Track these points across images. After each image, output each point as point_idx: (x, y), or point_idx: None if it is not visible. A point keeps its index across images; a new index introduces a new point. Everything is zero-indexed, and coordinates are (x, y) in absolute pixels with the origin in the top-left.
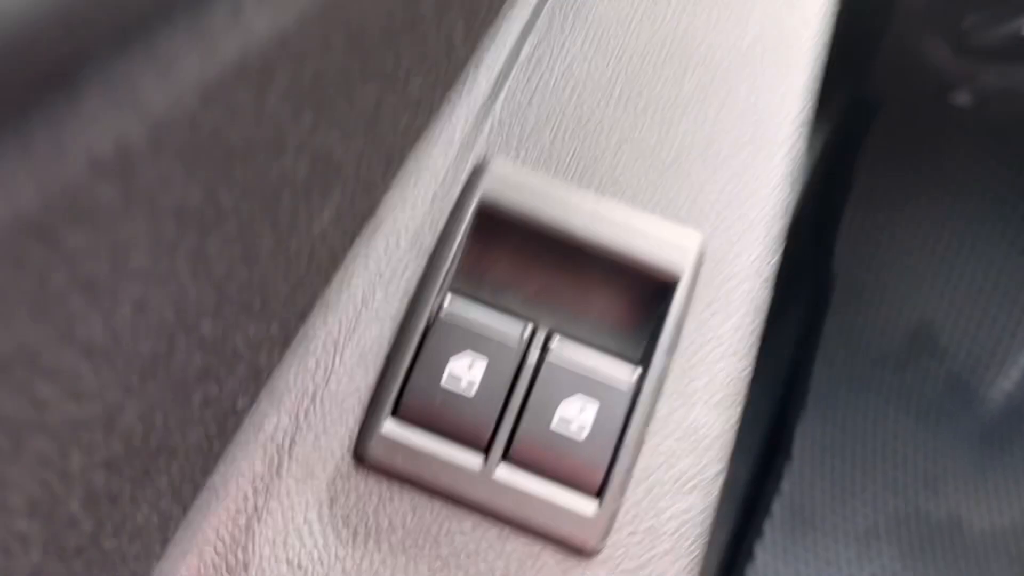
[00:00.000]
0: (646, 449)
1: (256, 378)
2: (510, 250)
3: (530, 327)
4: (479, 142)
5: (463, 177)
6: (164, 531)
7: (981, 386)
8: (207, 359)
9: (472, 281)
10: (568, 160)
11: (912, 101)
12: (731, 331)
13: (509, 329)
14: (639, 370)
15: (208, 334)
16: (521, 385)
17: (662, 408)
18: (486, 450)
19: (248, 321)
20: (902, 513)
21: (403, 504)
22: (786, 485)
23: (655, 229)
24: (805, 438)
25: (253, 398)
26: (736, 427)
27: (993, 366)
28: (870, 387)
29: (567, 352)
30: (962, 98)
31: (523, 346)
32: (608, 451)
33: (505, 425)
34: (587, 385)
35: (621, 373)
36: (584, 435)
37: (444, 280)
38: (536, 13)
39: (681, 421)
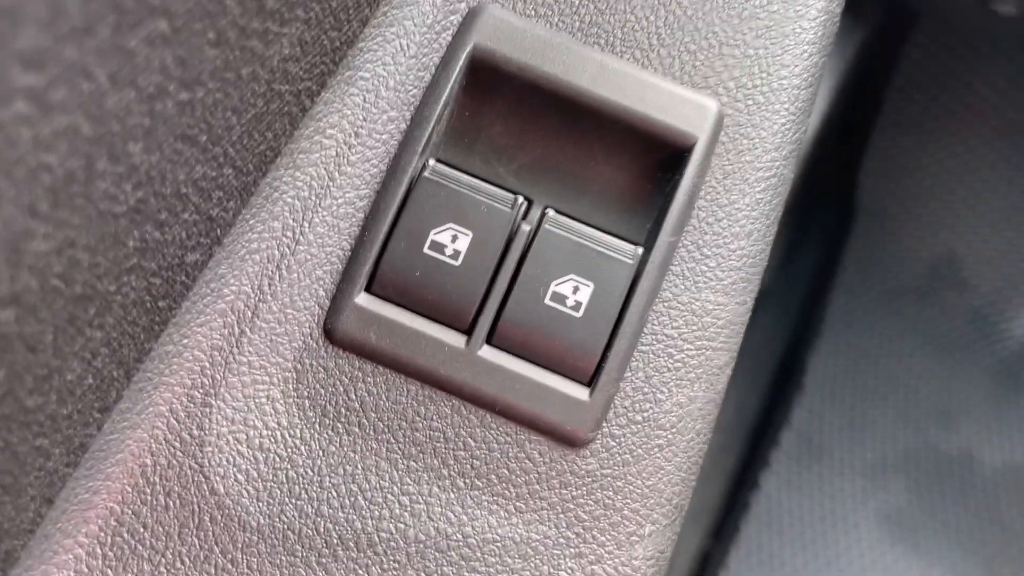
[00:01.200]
0: (647, 333)
1: (209, 231)
2: (505, 110)
3: (522, 200)
4: None
5: (454, 23)
6: (103, 396)
7: (1002, 321)
8: (141, 194)
9: (461, 145)
10: (574, 10)
11: (951, 10)
12: (748, 208)
13: (499, 199)
14: (642, 250)
15: (140, 162)
16: (511, 260)
17: (667, 290)
18: (470, 328)
19: (192, 156)
20: (912, 446)
21: (376, 384)
22: (795, 416)
23: (669, 89)
24: (817, 368)
25: (206, 255)
26: (748, 314)
27: (1016, 300)
28: (888, 318)
29: (563, 227)
30: (1005, 7)
31: (514, 217)
32: (604, 334)
33: (492, 302)
34: (583, 263)
35: (622, 250)
36: (578, 315)
37: (429, 140)
38: None
39: (688, 305)
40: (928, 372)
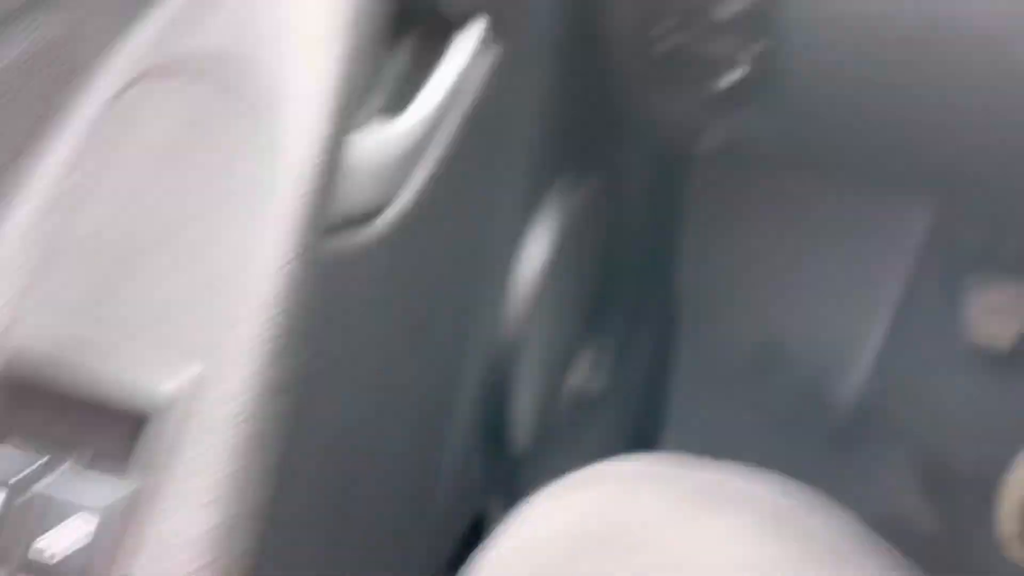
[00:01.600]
0: (136, 553)
1: None
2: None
3: (39, 461)
4: None
5: None
6: None
7: (829, 392)
8: None
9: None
10: (93, 307)
11: (677, 155)
12: (221, 441)
13: (6, 467)
14: (133, 485)
15: None
16: (13, 517)
17: (151, 514)
18: None
19: None
20: None
21: None
22: None
23: (141, 371)
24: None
25: None
26: (234, 522)
27: (839, 369)
28: (726, 401)
29: (60, 480)
30: (706, 146)
31: (19, 481)
32: (94, 563)
33: None
34: (70, 508)
35: (107, 491)
36: (67, 554)
37: None
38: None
39: (168, 525)
40: (769, 447)
